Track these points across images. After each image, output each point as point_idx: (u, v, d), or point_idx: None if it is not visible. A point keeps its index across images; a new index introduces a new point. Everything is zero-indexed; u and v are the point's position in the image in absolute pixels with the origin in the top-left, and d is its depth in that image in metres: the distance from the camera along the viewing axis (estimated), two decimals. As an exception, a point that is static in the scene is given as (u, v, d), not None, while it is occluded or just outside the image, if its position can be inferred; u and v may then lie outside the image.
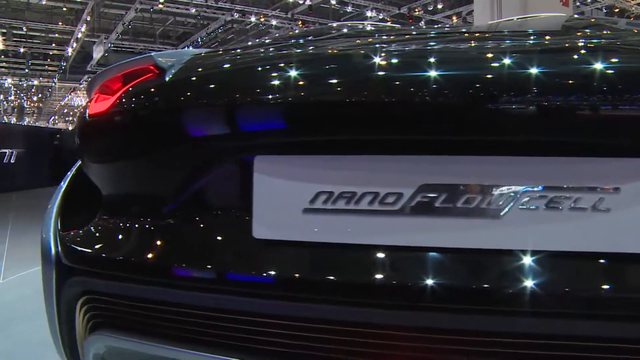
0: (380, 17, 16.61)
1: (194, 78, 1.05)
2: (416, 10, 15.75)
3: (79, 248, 1.06)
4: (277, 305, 0.88)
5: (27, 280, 3.47)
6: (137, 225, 1.06)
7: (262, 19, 16.51)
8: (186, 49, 1.24)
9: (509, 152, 0.83)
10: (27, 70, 23.18)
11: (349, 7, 15.78)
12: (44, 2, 15.26)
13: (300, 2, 15.27)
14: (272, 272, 0.88)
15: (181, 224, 1.01)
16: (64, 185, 1.25)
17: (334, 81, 0.91)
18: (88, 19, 16.14)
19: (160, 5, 14.79)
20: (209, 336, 0.94)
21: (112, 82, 1.09)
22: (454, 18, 15.74)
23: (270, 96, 0.91)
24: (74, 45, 19.14)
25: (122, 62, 1.11)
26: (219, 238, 0.98)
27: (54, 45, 20.95)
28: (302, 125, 0.91)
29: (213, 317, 0.93)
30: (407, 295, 0.81)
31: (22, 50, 20.91)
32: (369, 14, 16.14)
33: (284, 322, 0.88)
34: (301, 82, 0.91)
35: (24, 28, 18.23)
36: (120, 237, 1.06)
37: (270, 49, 1.25)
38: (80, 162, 1.22)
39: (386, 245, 0.84)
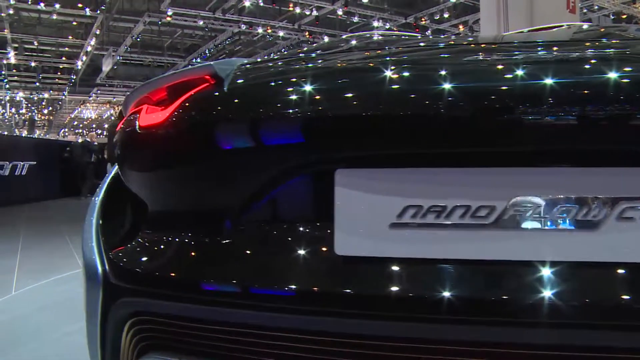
0: (387, 27, 16.66)
1: (260, 88, 1.01)
2: (423, 19, 15.79)
3: (130, 266, 1.00)
4: (364, 325, 0.84)
5: (38, 292, 3.50)
6: (195, 242, 1.00)
7: (269, 30, 16.61)
8: (233, 59, 1.18)
9: (606, 162, 0.80)
10: (38, 84, 23.46)
11: (356, 18, 15.85)
12: (54, 17, 15.47)
13: (307, 13, 15.35)
14: (359, 290, 0.83)
15: (249, 240, 0.96)
16: (98, 199, 1.19)
17: (422, 91, 0.86)
18: (97, 32, 16.34)
19: (169, 18, 14.94)
20: None
21: (166, 92, 1.05)
22: (461, 27, 15.76)
23: (354, 107, 0.88)
24: (84, 58, 19.38)
25: (175, 72, 1.06)
26: (296, 255, 0.91)
27: (64, 58, 21.22)
28: (389, 137, 0.87)
29: (287, 339, 0.87)
30: (510, 311, 0.77)
31: (33, 64, 21.18)
32: (375, 24, 16.20)
33: (372, 342, 0.83)
34: (387, 92, 0.88)
35: (35, 42, 18.50)
36: (176, 254, 1.01)
37: (334, 58, 1.18)
38: (120, 174, 1.16)
39: (479, 260, 0.81)
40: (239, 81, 1.01)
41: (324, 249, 0.88)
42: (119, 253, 1.04)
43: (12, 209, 9.40)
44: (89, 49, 18.01)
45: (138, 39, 17.44)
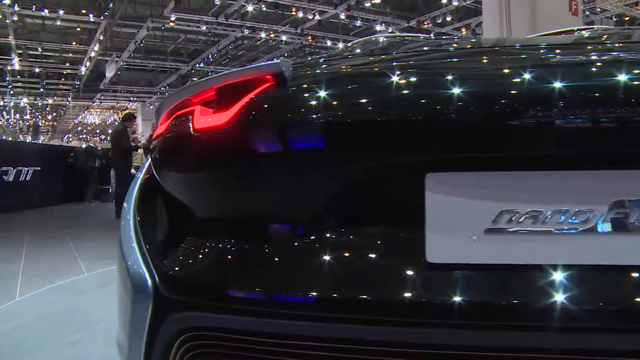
0: (390, 31, 16.68)
1: (336, 88, 0.94)
2: (425, 23, 15.80)
3: (187, 277, 0.93)
4: (462, 335, 0.80)
5: (41, 298, 3.50)
6: (262, 251, 0.94)
7: (272, 35, 16.65)
8: (281, 59, 1.12)
9: None
10: (42, 90, 23.56)
11: (358, 22, 15.87)
12: (58, 23, 15.54)
13: (310, 17, 15.39)
14: (456, 299, 0.79)
15: (327, 248, 0.90)
16: (132, 206, 1.12)
17: (518, 91, 0.83)
18: (101, 38, 16.40)
19: (172, 24, 14.98)
20: None
21: (225, 92, 0.98)
22: (463, 30, 15.76)
23: (447, 108, 0.84)
24: (87, 64, 19.46)
25: (231, 72, 1.00)
26: (382, 263, 0.87)
27: (67, 64, 21.31)
28: (483, 140, 0.84)
29: (374, 353, 0.82)
30: (616, 317, 0.74)
31: (37, 70, 21.29)
32: (378, 27, 16.22)
33: (472, 353, 0.80)
34: (479, 92, 0.85)
35: (39, 49, 18.59)
36: (238, 263, 0.95)
37: (401, 58, 1.12)
38: (159, 179, 1.10)
39: (580, 265, 0.79)
40: (306, 81, 0.98)
41: (414, 256, 0.84)
42: (170, 263, 0.96)
43: (16, 214, 9.42)
44: (93, 54, 18.08)
45: (141, 45, 17.50)
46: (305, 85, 0.96)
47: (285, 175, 0.94)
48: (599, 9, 14.35)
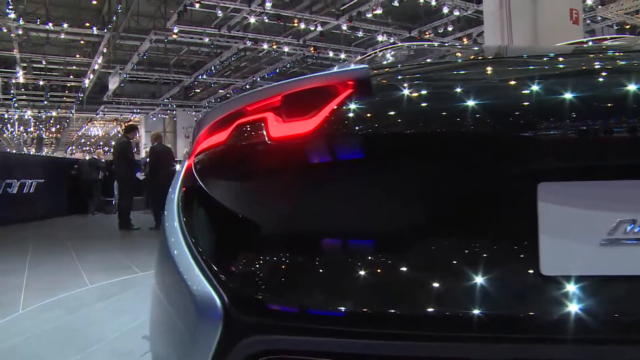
0: (392, 41, 16.75)
1: (426, 96, 0.90)
2: (427, 33, 15.87)
3: (263, 296, 0.85)
4: (583, 350, 0.76)
5: (45, 310, 3.49)
6: (344, 265, 0.87)
7: (275, 46, 16.74)
8: (360, 65, 1.09)
9: None
10: (46, 102, 23.72)
11: (360, 32, 15.95)
12: (62, 37, 15.68)
13: (312, 28, 15.47)
14: (577, 312, 0.75)
15: (428, 263, 0.84)
16: (177, 220, 1.04)
17: (633, 97, 0.79)
18: (105, 51, 16.52)
19: (174, 36, 15.09)
20: None
21: (304, 99, 0.91)
22: (465, 40, 15.82)
23: (555, 115, 0.80)
24: (91, 76, 19.59)
25: (306, 78, 0.93)
26: (493, 277, 0.81)
27: (71, 77, 21.48)
28: (600, 148, 0.80)
29: None
30: None
31: (41, 83, 21.45)
32: (379, 38, 16.29)
33: None
34: (592, 98, 0.81)
35: (43, 62, 18.75)
36: (323, 279, 0.87)
37: (495, 64, 1.08)
38: (213, 191, 1.02)
39: None
40: (393, 87, 0.93)
41: (527, 269, 0.80)
42: (241, 282, 0.89)
43: (20, 226, 9.44)
44: (96, 67, 18.21)
45: (144, 57, 17.62)
46: (395, 92, 0.91)
47: (376, 186, 0.89)
48: (599, 18, 14.39)
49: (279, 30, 16.24)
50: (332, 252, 0.91)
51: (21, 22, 14.07)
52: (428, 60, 1.39)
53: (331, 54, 17.61)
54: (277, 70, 20.25)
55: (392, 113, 0.88)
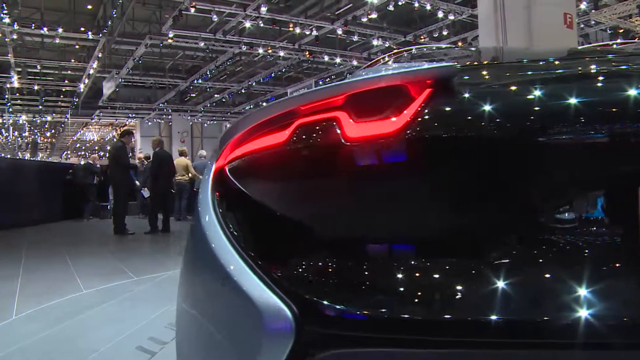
0: (387, 46, 16.80)
1: (514, 97, 0.87)
2: (422, 37, 15.92)
3: (340, 305, 0.78)
4: None
5: (38, 317, 3.47)
6: (422, 271, 0.82)
7: (270, 51, 16.76)
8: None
9: None
10: (40, 107, 23.65)
11: (355, 37, 15.99)
12: (57, 41, 15.64)
13: (307, 33, 15.50)
14: None
15: (523, 262, 0.80)
16: (218, 225, 0.96)
17: None
18: (100, 55, 16.50)
19: (170, 40, 15.08)
20: None
21: (384, 97, 0.87)
22: (460, 44, 15.88)
23: None
24: (86, 81, 19.55)
25: (386, 75, 0.89)
26: (600, 281, 0.77)
27: (66, 81, 21.42)
28: None
29: None
30: None
31: (36, 87, 21.39)
32: (375, 42, 16.34)
33: None
34: None
35: (38, 66, 18.69)
36: (393, 285, 0.81)
37: (567, 67, 1.03)
38: (266, 192, 0.97)
39: None
40: (477, 86, 0.89)
41: (632, 274, 0.77)
42: (314, 289, 0.81)
43: (15, 231, 9.39)
44: (92, 71, 18.18)
45: (140, 62, 17.60)
46: (483, 91, 0.88)
47: (466, 188, 0.86)
48: (593, 22, 14.48)
49: (274, 34, 16.26)
50: (410, 257, 0.85)
51: (16, 26, 14.04)
52: (501, 59, 1.33)
53: (326, 58, 17.64)
54: (273, 75, 20.26)
55: (483, 113, 0.83)
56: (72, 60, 18.63)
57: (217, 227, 0.95)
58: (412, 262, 0.84)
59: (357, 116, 0.87)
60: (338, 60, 17.92)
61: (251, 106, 25.74)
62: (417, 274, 0.82)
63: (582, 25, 14.48)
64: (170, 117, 27.22)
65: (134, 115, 26.59)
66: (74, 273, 4.99)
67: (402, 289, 0.81)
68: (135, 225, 9.27)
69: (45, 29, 14.42)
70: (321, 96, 0.91)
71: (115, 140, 11.05)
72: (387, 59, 1.80)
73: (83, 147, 41.05)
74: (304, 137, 0.90)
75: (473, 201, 0.86)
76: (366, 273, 0.84)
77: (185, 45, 16.62)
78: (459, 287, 0.78)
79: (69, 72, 20.29)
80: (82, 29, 15.05)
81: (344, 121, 0.88)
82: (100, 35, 15.10)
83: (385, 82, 0.87)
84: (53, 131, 34.28)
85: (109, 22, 14.39)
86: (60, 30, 14.60)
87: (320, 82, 20.96)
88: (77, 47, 17.53)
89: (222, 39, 15.67)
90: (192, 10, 12.90)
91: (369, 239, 0.89)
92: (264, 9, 13.28)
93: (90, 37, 15.14)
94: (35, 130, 33.54)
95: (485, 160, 0.84)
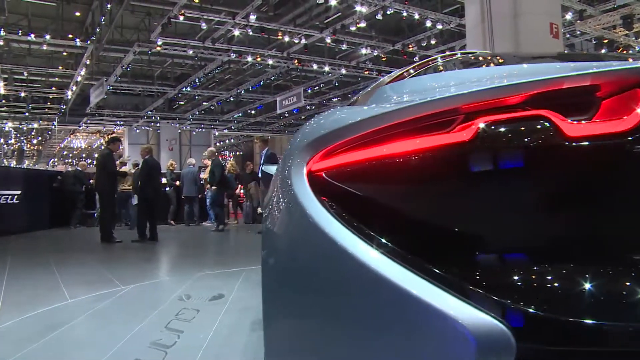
0: (375, 54, 16.89)
1: None
2: (410, 46, 16.04)
3: (553, 317, 0.69)
4: None
5: (21, 328, 3.41)
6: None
7: (259, 59, 16.78)
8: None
9: None
10: (27, 114, 23.43)
11: (344, 45, 16.06)
12: (44, 48, 15.53)
13: (296, 41, 15.55)
14: None
15: None
16: (359, 236, 0.85)
17: None
18: (87, 62, 16.41)
19: (158, 48, 15.05)
20: None
21: (603, 92, 0.83)
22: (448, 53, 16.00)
23: None
24: (74, 88, 19.42)
25: (602, 71, 0.84)
26: None
27: (54, 88, 21.26)
28: None
29: None
30: None
31: (22, 94, 21.20)
32: (363, 51, 16.42)
33: None
34: None
35: (25, 73, 18.54)
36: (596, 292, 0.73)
37: None
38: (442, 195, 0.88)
39: None
40: None
41: None
42: (526, 301, 0.71)
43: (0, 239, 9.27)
44: (79, 79, 18.06)
45: (128, 69, 17.53)
46: None
47: None
48: (578, 32, 14.68)
49: (263, 42, 16.29)
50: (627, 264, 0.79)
51: (2, 33, 13.93)
52: None
53: (315, 66, 17.69)
54: (262, 83, 20.27)
55: None
56: (60, 67, 18.50)
57: (364, 244, 0.83)
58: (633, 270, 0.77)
59: (573, 114, 0.82)
60: (327, 68, 17.98)
61: (240, 114, 25.71)
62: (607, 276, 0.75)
63: (567, 36, 14.67)
64: (158, 124, 27.10)
65: (122, 122, 26.43)
66: (59, 281, 4.91)
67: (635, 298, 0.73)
68: (124, 233, 9.17)
69: (32, 35, 14.32)
70: (517, 91, 0.84)
71: (102, 147, 10.95)
72: (435, 62, 1.79)
73: (70, 155, 40.71)
74: (499, 136, 0.82)
75: None
76: (581, 281, 0.75)
77: (174, 53, 16.59)
78: None
79: (57, 79, 20.15)
80: (70, 35, 14.97)
81: (555, 120, 0.81)
82: (89, 42, 15.02)
83: (608, 78, 0.82)
84: (40, 138, 33.98)
85: (97, 29, 14.33)
86: (47, 37, 14.51)
87: (309, 90, 21.02)
88: (64, 54, 17.43)
89: (211, 47, 15.67)
90: (181, 18, 12.89)
91: (576, 245, 0.81)
92: (252, 17, 13.31)
93: (78, 44, 15.05)
94: (22, 138, 33.21)
95: None
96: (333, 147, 0.95)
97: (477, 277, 0.76)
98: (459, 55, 2.00)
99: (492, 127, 0.83)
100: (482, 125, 0.83)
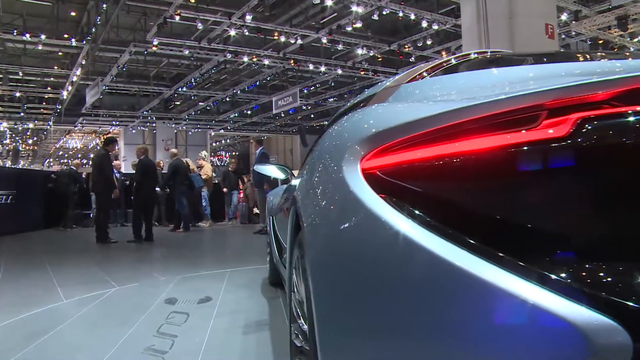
0: (371, 55, 16.91)
1: None
2: (406, 46, 16.05)
3: None
4: None
5: (15, 329, 3.40)
6: None
7: (255, 59, 16.77)
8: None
9: None
10: (22, 114, 23.34)
11: (340, 45, 16.07)
12: (40, 48, 15.48)
13: (292, 41, 15.54)
14: None
15: None
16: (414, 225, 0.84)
17: None
18: (83, 62, 16.36)
19: (154, 48, 15.02)
20: None
21: None
22: (444, 54, 16.04)
23: None
24: (69, 88, 19.35)
25: None
26: None
27: (49, 88, 21.18)
28: None
29: None
30: None
31: (17, 94, 21.12)
32: (359, 51, 16.43)
33: None
34: None
35: (20, 73, 18.47)
36: None
37: None
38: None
39: None
40: None
41: None
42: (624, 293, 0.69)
43: (-7, 241, 9.23)
44: (75, 79, 18.00)
45: (124, 69, 17.49)
46: None
47: None
48: (574, 33, 14.73)
49: (259, 43, 16.27)
50: None
51: (-3, 33, 13.88)
52: None
53: (311, 66, 17.69)
54: (258, 83, 20.26)
55: None
56: (55, 67, 18.44)
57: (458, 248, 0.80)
58: None
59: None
60: (323, 68, 17.98)
61: (236, 114, 25.68)
62: None
63: (563, 36, 14.72)
64: (154, 125, 27.04)
65: (117, 123, 26.36)
66: (54, 282, 4.89)
67: None
68: (121, 233, 9.15)
69: (27, 35, 14.26)
70: (615, 87, 0.83)
71: (98, 148, 10.91)
72: (456, 61, 1.78)
73: (66, 155, 40.58)
74: (601, 131, 0.80)
75: None
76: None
77: (170, 53, 16.55)
78: None
79: (52, 79, 20.07)
80: (66, 35, 14.91)
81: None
82: (84, 42, 14.97)
83: None
84: (35, 138, 33.86)
85: (93, 29, 14.28)
86: (43, 36, 14.45)
87: (305, 91, 21.01)
88: (60, 54, 17.36)
89: (206, 47, 15.64)
90: (177, 18, 12.87)
91: None
92: (248, 18, 13.29)
93: (74, 44, 15.00)
94: (17, 138, 33.09)
95: None
96: (392, 144, 0.92)
97: (585, 276, 0.74)
98: (488, 53, 2.00)
99: (593, 123, 0.81)
100: (579, 120, 0.81)
